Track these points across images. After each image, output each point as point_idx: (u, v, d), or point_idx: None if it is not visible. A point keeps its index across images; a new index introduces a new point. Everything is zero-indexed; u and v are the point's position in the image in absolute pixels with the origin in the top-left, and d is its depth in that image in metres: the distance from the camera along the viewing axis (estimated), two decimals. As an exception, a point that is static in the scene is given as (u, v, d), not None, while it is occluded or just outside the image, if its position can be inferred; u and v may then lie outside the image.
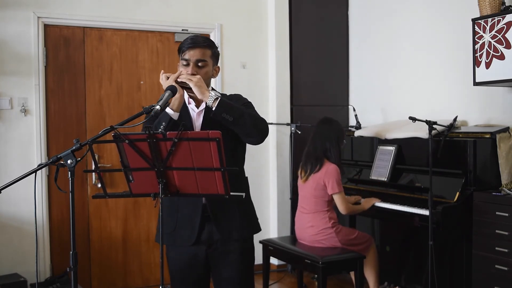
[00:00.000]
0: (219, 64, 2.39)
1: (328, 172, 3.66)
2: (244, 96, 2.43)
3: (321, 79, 5.22)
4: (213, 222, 2.29)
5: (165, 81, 2.20)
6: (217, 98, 2.11)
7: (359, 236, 3.72)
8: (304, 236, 3.76)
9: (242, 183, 2.40)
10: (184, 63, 2.24)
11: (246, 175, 2.45)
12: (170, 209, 2.35)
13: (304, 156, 3.84)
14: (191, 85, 2.14)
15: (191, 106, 2.31)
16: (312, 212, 3.70)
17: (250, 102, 2.39)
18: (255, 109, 2.38)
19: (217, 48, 2.33)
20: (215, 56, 2.31)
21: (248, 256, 2.41)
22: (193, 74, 2.20)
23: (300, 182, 3.85)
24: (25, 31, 4.17)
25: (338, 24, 5.28)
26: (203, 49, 2.23)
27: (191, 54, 2.22)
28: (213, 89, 2.32)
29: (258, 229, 2.46)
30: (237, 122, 2.14)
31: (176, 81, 2.17)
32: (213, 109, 2.12)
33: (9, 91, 4.14)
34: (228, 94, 2.44)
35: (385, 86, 4.87)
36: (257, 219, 2.48)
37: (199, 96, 2.16)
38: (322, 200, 3.68)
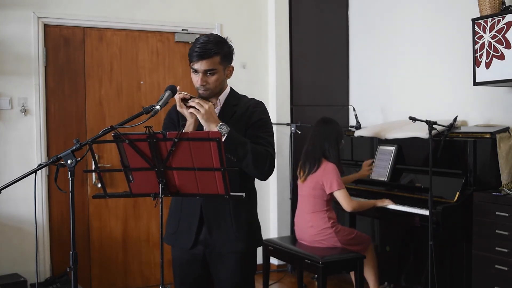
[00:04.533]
0: None
1: (326, 171, 3.65)
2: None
3: (321, 79, 5.21)
4: (207, 232, 2.26)
5: (179, 102, 2.15)
6: (223, 135, 2.08)
7: (357, 236, 3.72)
8: (304, 236, 3.76)
9: (250, 194, 2.35)
10: (194, 71, 2.22)
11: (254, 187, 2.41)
12: (175, 208, 2.36)
13: (303, 156, 3.83)
14: (199, 117, 2.12)
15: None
16: (311, 212, 3.70)
17: (266, 120, 2.32)
18: (272, 128, 2.33)
19: (229, 47, 2.26)
20: (227, 57, 2.24)
21: (246, 262, 2.34)
22: (203, 85, 2.19)
23: (299, 182, 3.85)
24: (25, 31, 4.17)
25: (338, 24, 5.28)
26: (211, 59, 2.17)
27: (199, 65, 2.18)
28: (222, 123, 2.15)
29: (257, 243, 2.36)
30: (240, 162, 2.13)
31: (186, 104, 2.15)
32: None
33: (9, 91, 4.14)
34: (250, 98, 2.39)
35: (385, 86, 4.86)
36: (259, 231, 2.39)
37: (206, 129, 2.13)
38: (321, 200, 3.68)
